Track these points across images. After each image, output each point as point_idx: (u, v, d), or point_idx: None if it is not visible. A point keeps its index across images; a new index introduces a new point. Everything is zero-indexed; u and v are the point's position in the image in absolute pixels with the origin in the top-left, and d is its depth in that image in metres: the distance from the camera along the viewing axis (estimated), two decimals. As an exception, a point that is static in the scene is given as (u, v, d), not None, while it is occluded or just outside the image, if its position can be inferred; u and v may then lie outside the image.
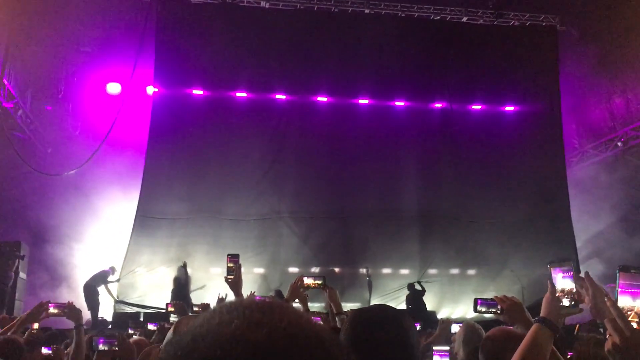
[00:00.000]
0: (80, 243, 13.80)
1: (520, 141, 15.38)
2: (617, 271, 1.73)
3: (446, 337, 5.61)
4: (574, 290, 2.09)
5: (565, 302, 2.09)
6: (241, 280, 3.79)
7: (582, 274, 2.10)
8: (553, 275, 2.12)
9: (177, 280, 12.76)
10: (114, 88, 15.55)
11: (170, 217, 13.79)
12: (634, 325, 1.60)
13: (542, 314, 2.12)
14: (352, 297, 14.13)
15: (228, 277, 3.81)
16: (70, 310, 4.16)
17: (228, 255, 3.89)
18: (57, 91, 15.32)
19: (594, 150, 16.30)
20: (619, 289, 1.69)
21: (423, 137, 15.28)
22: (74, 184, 13.64)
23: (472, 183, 15.01)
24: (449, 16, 15.58)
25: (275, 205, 14.40)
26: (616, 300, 1.67)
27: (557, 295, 2.10)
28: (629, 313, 1.66)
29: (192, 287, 12.90)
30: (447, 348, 3.61)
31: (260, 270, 13.94)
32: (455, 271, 14.93)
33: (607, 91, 15.94)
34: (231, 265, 3.83)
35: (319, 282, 4.11)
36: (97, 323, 11.73)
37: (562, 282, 2.12)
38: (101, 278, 12.64)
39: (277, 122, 14.86)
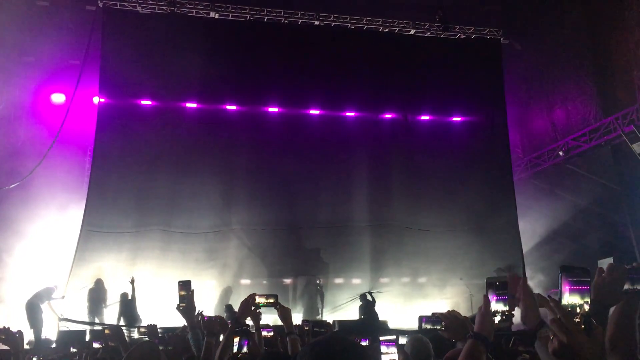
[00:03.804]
0: (14, 258, 13.26)
1: (468, 151, 15.74)
2: (560, 272, 1.76)
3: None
4: (506, 311, 2.13)
5: (498, 317, 2.13)
6: (194, 307, 3.71)
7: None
8: (489, 293, 2.16)
9: (123, 297, 12.45)
10: (58, 98, 15.12)
11: (117, 230, 13.45)
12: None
13: (475, 328, 2.16)
14: (304, 308, 14.10)
15: (180, 305, 3.71)
16: (7, 335, 3.95)
17: (179, 282, 3.79)
18: (-2, 102, 14.78)
19: (536, 159, 16.80)
20: (567, 288, 1.72)
21: (373, 147, 15.42)
22: (15, 197, 13.14)
23: (422, 192, 15.25)
24: (397, 29, 15.86)
25: (225, 217, 14.25)
26: (560, 300, 1.69)
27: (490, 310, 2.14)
28: (577, 311, 1.67)
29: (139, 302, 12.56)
30: (394, 337, 3.64)
31: (211, 283, 13.74)
32: (406, 280, 15.08)
33: (548, 102, 16.49)
34: (183, 293, 3.73)
35: (271, 300, 4.04)
36: (41, 342, 11.27)
37: (496, 305, 2.16)
38: (45, 295, 12.15)
39: (227, 132, 14.71)
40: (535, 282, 15.17)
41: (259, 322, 4.65)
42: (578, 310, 1.69)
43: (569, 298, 1.71)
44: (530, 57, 16.94)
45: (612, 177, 15.06)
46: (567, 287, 1.72)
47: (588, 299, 1.70)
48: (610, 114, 14.12)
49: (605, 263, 2.35)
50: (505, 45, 16.40)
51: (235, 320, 3.73)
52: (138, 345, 3.27)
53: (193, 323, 3.72)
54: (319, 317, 13.47)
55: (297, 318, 12.94)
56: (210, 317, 3.73)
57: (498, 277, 2.21)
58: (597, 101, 14.85)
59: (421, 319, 3.16)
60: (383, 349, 3.67)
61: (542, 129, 16.79)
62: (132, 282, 12.37)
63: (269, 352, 3.59)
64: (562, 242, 15.76)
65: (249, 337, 3.83)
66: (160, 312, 11.05)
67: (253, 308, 3.89)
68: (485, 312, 2.14)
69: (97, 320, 12.46)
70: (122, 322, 12.08)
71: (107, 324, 11.76)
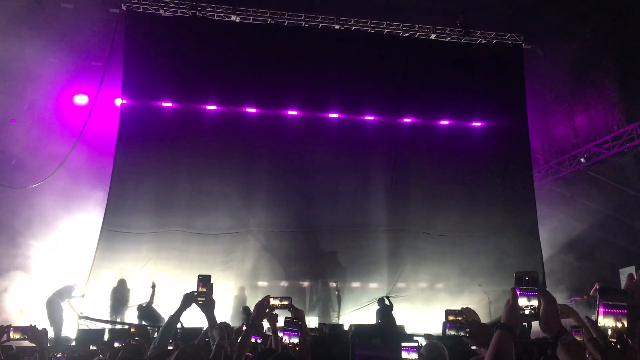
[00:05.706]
0: (35, 256, 13.44)
1: (488, 156, 15.63)
2: (597, 293, 1.76)
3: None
4: (531, 305, 2.13)
5: (526, 311, 2.13)
6: (213, 302, 3.71)
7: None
8: (517, 288, 2.16)
9: (141, 305, 12.49)
10: (81, 99, 15.35)
11: (137, 231, 13.58)
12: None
13: (502, 320, 2.16)
14: (321, 311, 14.10)
15: (199, 299, 3.72)
16: (33, 333, 4.02)
17: (199, 276, 3.79)
18: (23, 102, 15.02)
19: (558, 165, 16.61)
20: (602, 311, 1.74)
21: (392, 152, 15.38)
22: (37, 197, 13.34)
23: (440, 197, 15.16)
24: (418, 33, 15.81)
25: (244, 219, 14.32)
26: (596, 321, 1.72)
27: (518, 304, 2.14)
28: (608, 333, 1.69)
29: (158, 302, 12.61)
30: (416, 344, 3.61)
31: (229, 284, 13.80)
32: (423, 285, 14.98)
33: (570, 108, 16.30)
34: (203, 289, 3.73)
35: (285, 302, 4.04)
36: (60, 340, 11.41)
37: (520, 299, 2.15)
38: (65, 293, 12.29)
39: (247, 135, 14.79)
40: (556, 289, 15.00)
41: (275, 324, 4.65)
42: (610, 332, 1.69)
43: (603, 320, 1.72)
44: (552, 62, 16.76)
45: (634, 185, 14.84)
46: (602, 310, 1.75)
47: (624, 322, 1.70)
48: (633, 120, 13.91)
49: (627, 272, 2.34)
50: (527, 50, 16.26)
51: (251, 322, 3.75)
52: (182, 350, 3.26)
53: (213, 319, 3.72)
54: (335, 321, 13.45)
55: (314, 321, 12.99)
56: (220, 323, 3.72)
57: (527, 272, 2.19)
58: (620, 107, 14.64)
59: (445, 324, 3.14)
60: (404, 354, 3.63)
61: (564, 135, 16.59)
62: (154, 286, 12.23)
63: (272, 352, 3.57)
64: (583, 249, 15.57)
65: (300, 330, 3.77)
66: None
67: (268, 310, 3.89)
68: (513, 304, 2.14)
69: (119, 320, 12.57)
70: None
71: (127, 323, 11.86)
